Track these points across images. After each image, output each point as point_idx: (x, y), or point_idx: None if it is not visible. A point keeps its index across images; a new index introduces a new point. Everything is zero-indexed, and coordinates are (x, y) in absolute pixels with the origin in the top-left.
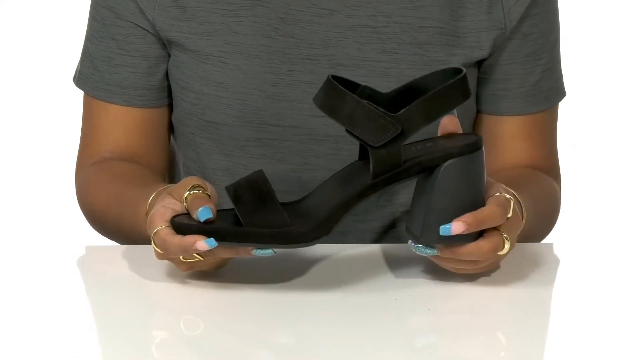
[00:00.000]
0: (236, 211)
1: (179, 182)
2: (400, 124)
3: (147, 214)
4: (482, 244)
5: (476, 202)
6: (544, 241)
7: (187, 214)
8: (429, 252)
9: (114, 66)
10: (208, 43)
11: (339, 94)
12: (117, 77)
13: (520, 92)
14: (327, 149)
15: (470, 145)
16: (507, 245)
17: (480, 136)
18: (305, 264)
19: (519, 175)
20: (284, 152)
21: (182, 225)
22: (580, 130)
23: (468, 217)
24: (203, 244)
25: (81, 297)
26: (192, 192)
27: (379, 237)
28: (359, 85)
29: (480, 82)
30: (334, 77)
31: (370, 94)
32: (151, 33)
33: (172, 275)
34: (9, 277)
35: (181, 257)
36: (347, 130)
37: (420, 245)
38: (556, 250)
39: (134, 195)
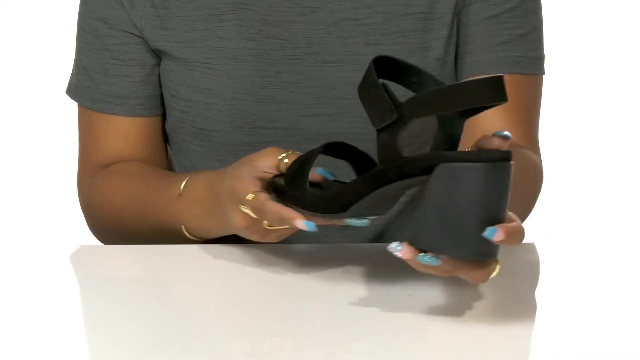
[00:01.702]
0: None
1: (254, 155)
2: (398, 112)
3: (179, 195)
4: (483, 273)
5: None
6: (525, 240)
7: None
8: (431, 262)
9: (111, 77)
10: (194, 50)
11: (367, 74)
12: (114, 88)
13: (483, 53)
14: None
15: (477, 155)
16: (497, 269)
17: (499, 151)
18: (304, 264)
19: None
20: None
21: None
22: (564, 127)
23: (511, 228)
24: (302, 224)
25: (76, 297)
26: (284, 160)
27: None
28: (413, 67)
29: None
30: (379, 59)
31: (416, 82)
32: (145, 42)
33: (170, 276)
34: (4, 276)
35: (265, 223)
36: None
37: (427, 256)
38: (538, 249)
39: (161, 184)
